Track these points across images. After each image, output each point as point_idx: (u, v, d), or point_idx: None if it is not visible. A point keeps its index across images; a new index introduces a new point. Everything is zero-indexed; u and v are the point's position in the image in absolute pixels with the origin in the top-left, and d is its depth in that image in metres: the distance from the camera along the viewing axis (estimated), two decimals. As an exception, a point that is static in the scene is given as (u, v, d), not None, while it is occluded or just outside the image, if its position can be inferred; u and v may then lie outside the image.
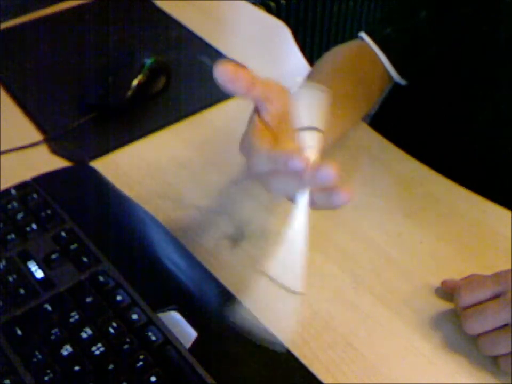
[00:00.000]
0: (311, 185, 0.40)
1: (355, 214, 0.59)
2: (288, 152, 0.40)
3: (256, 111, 0.43)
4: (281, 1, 1.42)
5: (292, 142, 0.42)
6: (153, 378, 0.42)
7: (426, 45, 0.68)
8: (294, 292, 0.42)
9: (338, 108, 0.59)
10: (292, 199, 0.43)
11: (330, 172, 0.37)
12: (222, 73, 0.40)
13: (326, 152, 0.44)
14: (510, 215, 0.59)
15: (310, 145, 0.42)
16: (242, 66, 0.41)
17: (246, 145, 0.43)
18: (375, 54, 0.67)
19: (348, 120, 0.63)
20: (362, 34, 0.69)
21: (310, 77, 0.65)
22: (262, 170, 0.42)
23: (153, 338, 0.45)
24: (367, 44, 0.68)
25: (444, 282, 0.52)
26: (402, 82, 0.70)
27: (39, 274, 0.49)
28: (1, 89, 0.74)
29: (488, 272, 0.49)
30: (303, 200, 0.42)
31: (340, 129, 0.61)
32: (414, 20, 0.67)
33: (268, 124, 0.43)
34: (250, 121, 0.44)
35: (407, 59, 0.69)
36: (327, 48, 1.72)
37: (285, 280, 0.42)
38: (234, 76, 0.40)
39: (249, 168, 0.43)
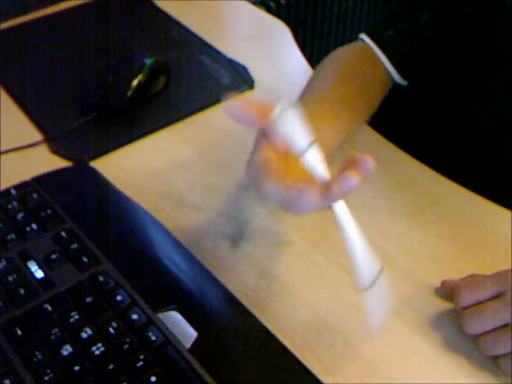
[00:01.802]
0: (336, 199, 0.40)
1: (355, 214, 0.59)
2: (298, 189, 0.39)
3: (264, 135, 0.43)
4: (281, 1, 1.42)
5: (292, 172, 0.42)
6: (153, 378, 0.42)
7: (428, 46, 0.68)
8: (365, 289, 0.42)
9: (342, 112, 0.60)
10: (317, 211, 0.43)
11: (354, 181, 0.38)
12: (230, 111, 0.41)
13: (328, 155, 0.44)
14: (510, 215, 0.59)
15: (316, 164, 0.41)
16: (248, 97, 0.41)
17: (254, 175, 0.42)
18: (377, 56, 0.67)
19: (351, 124, 0.63)
20: (363, 36, 0.69)
21: (312, 82, 0.64)
22: (275, 200, 0.42)
23: (153, 338, 0.45)
24: (368, 46, 0.68)
25: (443, 282, 0.52)
26: (404, 83, 0.70)
27: (39, 274, 0.49)
28: (1, 89, 0.74)
29: (488, 272, 0.49)
30: (339, 206, 0.41)
31: (344, 133, 0.61)
32: (415, 21, 0.67)
33: (277, 149, 0.42)
34: (257, 146, 0.43)
35: (409, 61, 0.69)
36: (327, 48, 1.72)
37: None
38: (243, 111, 0.41)
39: (260, 195, 0.43)
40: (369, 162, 0.40)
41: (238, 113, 0.41)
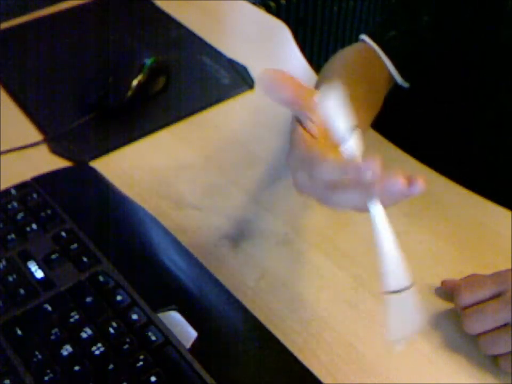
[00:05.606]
0: (379, 195, 0.38)
1: (355, 214, 0.59)
2: (360, 163, 0.37)
3: (299, 122, 0.41)
4: (281, 1, 1.42)
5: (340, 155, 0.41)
6: (153, 378, 0.42)
7: (429, 48, 0.68)
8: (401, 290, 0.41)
9: (357, 113, 0.59)
10: (355, 210, 0.41)
11: (399, 183, 0.35)
12: (267, 80, 0.38)
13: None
14: (510, 215, 0.59)
15: (356, 151, 0.40)
16: (288, 73, 0.38)
17: (300, 158, 0.40)
18: (379, 57, 0.67)
19: (364, 125, 0.63)
20: (365, 37, 0.69)
21: (319, 83, 0.64)
22: (327, 180, 0.39)
23: (153, 338, 0.45)
24: (370, 47, 0.68)
25: (443, 282, 0.52)
26: (405, 85, 0.70)
27: (39, 274, 0.49)
28: (1, 89, 0.74)
29: (488, 272, 0.49)
30: (377, 209, 0.39)
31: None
32: (417, 23, 0.67)
33: (313, 136, 0.41)
34: (295, 133, 0.42)
35: (411, 62, 0.69)
36: (327, 48, 1.72)
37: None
38: (281, 83, 0.38)
39: (306, 182, 0.40)
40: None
41: (274, 89, 0.38)
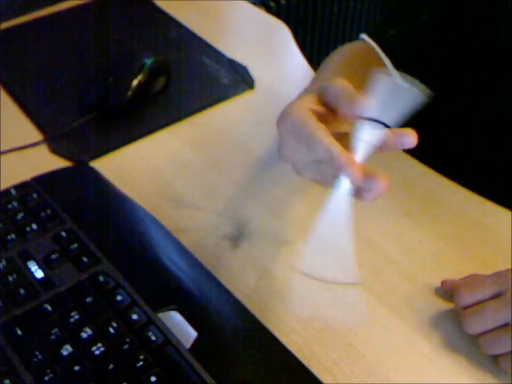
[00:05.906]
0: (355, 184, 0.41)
1: (355, 214, 0.59)
2: (345, 161, 0.40)
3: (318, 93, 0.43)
4: (281, 1, 1.42)
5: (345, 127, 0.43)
6: (153, 378, 0.42)
7: (429, 47, 0.68)
8: (349, 283, 0.42)
9: None
10: (324, 185, 0.43)
11: (381, 185, 0.40)
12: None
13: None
14: (510, 215, 0.59)
15: (366, 140, 0.42)
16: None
17: (299, 130, 0.43)
18: (379, 57, 0.67)
19: None
20: (364, 37, 0.69)
21: (320, 74, 0.64)
22: (311, 159, 0.43)
23: (153, 338, 0.45)
24: (370, 46, 0.68)
25: (444, 282, 0.52)
26: (405, 85, 0.70)
27: (39, 274, 0.49)
28: (1, 89, 0.74)
29: (488, 272, 0.49)
30: (342, 187, 0.42)
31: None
32: (417, 22, 0.67)
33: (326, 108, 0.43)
34: (307, 100, 0.44)
35: (410, 62, 0.69)
36: (327, 48, 1.72)
37: (337, 275, 0.42)
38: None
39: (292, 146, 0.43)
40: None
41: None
